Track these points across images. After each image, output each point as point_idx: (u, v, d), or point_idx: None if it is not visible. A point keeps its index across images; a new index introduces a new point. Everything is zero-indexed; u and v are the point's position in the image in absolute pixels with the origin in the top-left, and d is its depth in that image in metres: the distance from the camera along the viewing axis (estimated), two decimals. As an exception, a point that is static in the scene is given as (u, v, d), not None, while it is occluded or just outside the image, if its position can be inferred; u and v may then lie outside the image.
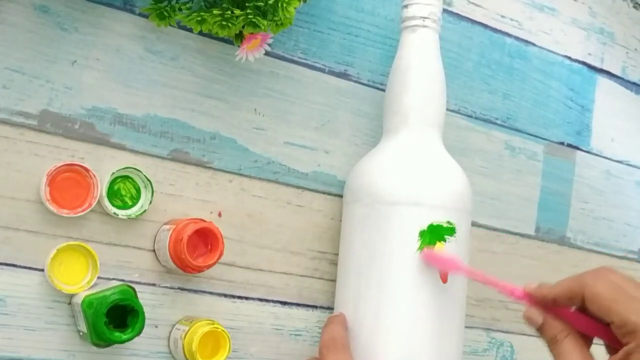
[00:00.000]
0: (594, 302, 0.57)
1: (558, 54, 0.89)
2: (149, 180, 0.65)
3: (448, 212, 0.68)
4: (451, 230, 0.68)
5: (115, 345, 0.62)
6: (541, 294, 0.60)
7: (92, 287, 0.63)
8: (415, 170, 0.69)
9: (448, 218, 0.68)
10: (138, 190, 0.66)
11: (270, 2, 0.63)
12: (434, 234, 0.67)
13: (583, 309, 0.60)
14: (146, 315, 0.62)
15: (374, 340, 0.67)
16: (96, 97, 0.65)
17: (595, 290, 0.57)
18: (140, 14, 0.67)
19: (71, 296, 0.63)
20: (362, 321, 0.68)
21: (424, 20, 0.71)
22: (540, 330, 0.60)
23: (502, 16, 0.85)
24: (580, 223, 0.90)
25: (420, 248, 0.67)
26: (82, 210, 0.63)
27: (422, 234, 0.67)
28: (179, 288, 0.68)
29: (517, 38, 0.86)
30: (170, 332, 0.67)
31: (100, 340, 0.60)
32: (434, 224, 0.67)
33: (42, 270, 0.63)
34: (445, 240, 0.67)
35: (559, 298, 0.59)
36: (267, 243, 0.72)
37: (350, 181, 0.72)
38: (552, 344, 0.59)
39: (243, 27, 0.64)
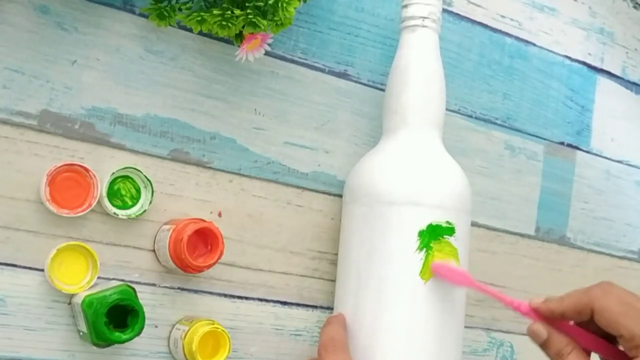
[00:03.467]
0: (603, 316, 0.58)
1: (558, 54, 0.89)
2: (149, 180, 0.65)
3: (447, 212, 0.68)
4: (450, 230, 0.68)
5: (115, 345, 0.62)
6: (548, 309, 0.61)
7: (92, 287, 0.63)
8: (414, 170, 0.69)
9: (447, 218, 0.68)
10: (138, 190, 0.66)
11: (270, 2, 0.63)
12: (433, 233, 0.67)
13: (587, 323, 0.60)
14: (146, 315, 0.62)
15: (373, 340, 0.67)
16: (96, 97, 0.65)
17: (604, 304, 0.58)
18: (140, 14, 0.67)
19: (71, 296, 0.63)
20: (361, 321, 0.68)
21: (423, 20, 0.71)
22: (545, 345, 0.61)
23: (502, 16, 0.85)
24: (580, 223, 0.90)
25: (420, 248, 0.67)
26: (82, 210, 0.63)
27: (421, 233, 0.67)
28: (179, 288, 0.68)
29: (517, 38, 0.86)
30: (170, 332, 0.67)
31: (100, 340, 0.60)
32: (433, 224, 0.67)
33: (42, 270, 0.63)
34: (443, 240, 0.67)
35: (568, 312, 0.60)
36: (267, 243, 0.72)
37: (349, 181, 0.72)
38: (557, 358, 0.60)
39: (243, 27, 0.64)
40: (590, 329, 0.61)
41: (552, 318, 0.61)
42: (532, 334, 0.61)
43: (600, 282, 0.60)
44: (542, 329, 0.60)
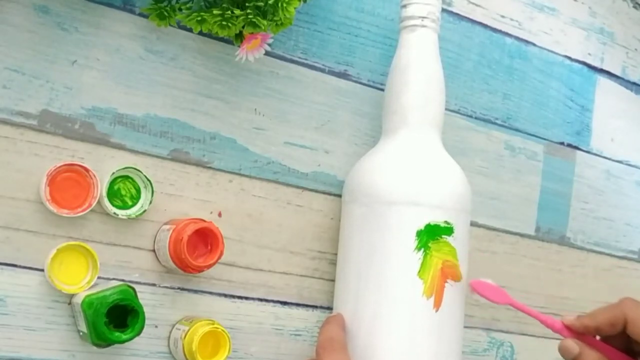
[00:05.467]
0: (637, 325, 0.62)
1: (558, 54, 0.89)
2: (149, 180, 0.65)
3: (447, 212, 0.68)
4: (449, 230, 0.68)
5: (115, 345, 0.62)
6: (582, 325, 0.64)
7: (92, 287, 0.63)
8: (413, 170, 0.69)
9: (446, 218, 0.68)
10: (138, 190, 0.66)
11: (270, 2, 0.63)
12: (431, 233, 0.67)
13: (609, 339, 0.64)
14: (146, 315, 0.62)
15: (372, 340, 0.67)
16: (96, 97, 0.65)
17: (638, 314, 0.62)
18: (140, 14, 0.67)
19: (71, 296, 0.63)
20: (360, 321, 0.68)
21: (422, 20, 0.71)
22: None
23: (502, 16, 0.85)
24: (580, 223, 0.90)
25: (418, 248, 0.67)
26: (82, 210, 0.63)
27: (419, 233, 0.67)
28: (179, 288, 0.68)
29: (517, 38, 0.86)
30: (170, 332, 0.67)
31: (100, 340, 0.60)
32: (432, 223, 0.67)
33: (42, 270, 0.63)
34: (441, 240, 0.68)
35: (602, 326, 0.63)
36: (267, 243, 0.72)
37: (349, 181, 0.72)
38: None
39: (243, 27, 0.64)
40: (612, 345, 0.64)
41: (586, 334, 0.64)
42: (563, 350, 0.64)
43: (623, 298, 0.64)
44: (574, 345, 0.63)
